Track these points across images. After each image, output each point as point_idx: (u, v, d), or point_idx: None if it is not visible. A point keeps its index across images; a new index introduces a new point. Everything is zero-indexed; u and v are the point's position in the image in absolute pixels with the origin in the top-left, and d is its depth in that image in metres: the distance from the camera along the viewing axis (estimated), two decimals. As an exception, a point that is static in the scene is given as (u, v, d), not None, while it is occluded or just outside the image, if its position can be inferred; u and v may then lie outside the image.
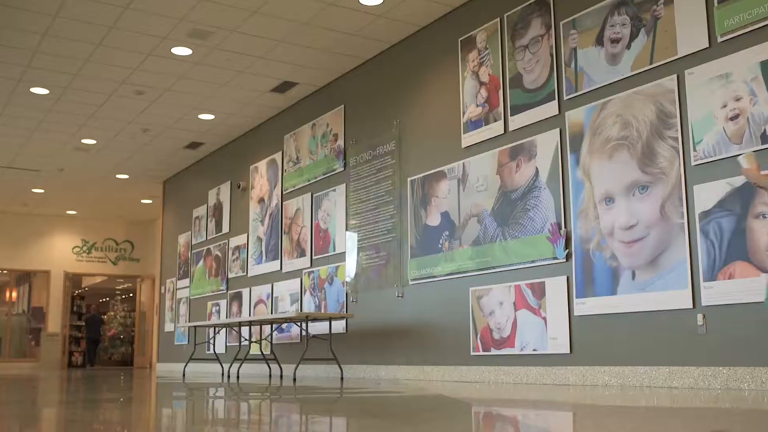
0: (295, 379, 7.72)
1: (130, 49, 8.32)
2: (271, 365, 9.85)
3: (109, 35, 7.96)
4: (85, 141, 11.79)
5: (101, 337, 19.92)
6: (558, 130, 6.18)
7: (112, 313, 21.72)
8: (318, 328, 8.82)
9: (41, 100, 9.91)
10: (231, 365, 9.28)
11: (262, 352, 9.51)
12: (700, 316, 5.00)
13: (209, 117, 10.74)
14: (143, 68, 8.88)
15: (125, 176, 14.08)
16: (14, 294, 19.34)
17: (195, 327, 10.52)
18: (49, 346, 17.20)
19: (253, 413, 3.40)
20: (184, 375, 9.98)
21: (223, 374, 9.73)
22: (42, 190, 15.13)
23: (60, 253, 17.70)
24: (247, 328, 10.14)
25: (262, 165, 10.87)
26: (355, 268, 8.48)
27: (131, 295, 21.58)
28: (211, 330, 11.57)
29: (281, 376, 8.61)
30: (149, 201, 16.24)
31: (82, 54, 8.44)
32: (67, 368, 17.32)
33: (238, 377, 8.64)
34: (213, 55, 8.50)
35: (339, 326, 8.63)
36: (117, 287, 23.11)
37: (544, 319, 6.09)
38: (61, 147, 12.05)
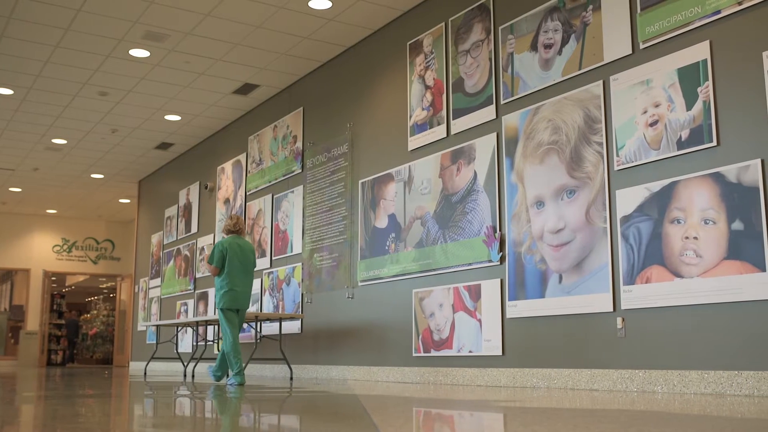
0: (244, 379, 7.77)
1: (88, 50, 8.38)
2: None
3: (66, 37, 8.02)
4: (55, 141, 11.85)
5: (77, 339, 20.83)
6: (495, 134, 6.24)
7: (95, 312, 21.80)
8: (276, 328, 8.88)
9: (6, 100, 9.98)
10: (188, 364, 9.35)
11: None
12: (619, 320, 5.07)
13: (176, 118, 10.81)
14: (103, 69, 8.95)
15: (100, 176, 14.14)
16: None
17: (159, 326, 10.58)
18: (27, 344, 17.26)
19: (146, 408, 3.46)
20: (145, 373, 10.04)
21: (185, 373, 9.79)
22: (19, 189, 15.20)
23: (40, 252, 17.72)
24: (211, 327, 10.20)
25: (228, 166, 10.93)
26: (309, 269, 8.55)
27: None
28: (177, 329, 11.62)
29: (237, 376, 8.66)
30: (127, 201, 16.31)
31: (41, 55, 8.51)
32: (46, 366, 17.38)
33: (193, 376, 8.71)
34: (171, 57, 8.57)
35: (294, 327, 8.69)
36: (101, 286, 23.17)
37: (480, 321, 6.16)
38: (32, 146, 12.12)
